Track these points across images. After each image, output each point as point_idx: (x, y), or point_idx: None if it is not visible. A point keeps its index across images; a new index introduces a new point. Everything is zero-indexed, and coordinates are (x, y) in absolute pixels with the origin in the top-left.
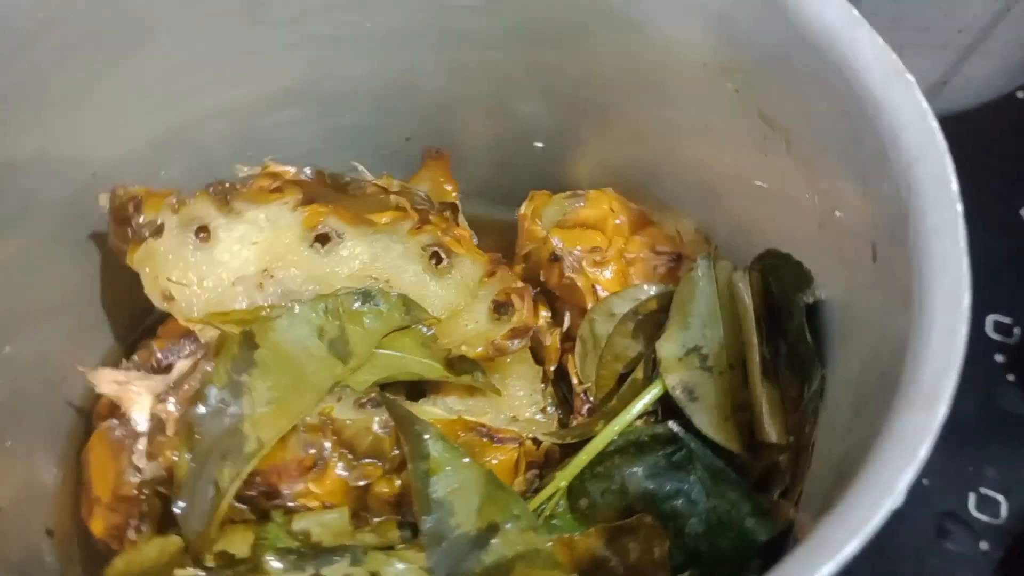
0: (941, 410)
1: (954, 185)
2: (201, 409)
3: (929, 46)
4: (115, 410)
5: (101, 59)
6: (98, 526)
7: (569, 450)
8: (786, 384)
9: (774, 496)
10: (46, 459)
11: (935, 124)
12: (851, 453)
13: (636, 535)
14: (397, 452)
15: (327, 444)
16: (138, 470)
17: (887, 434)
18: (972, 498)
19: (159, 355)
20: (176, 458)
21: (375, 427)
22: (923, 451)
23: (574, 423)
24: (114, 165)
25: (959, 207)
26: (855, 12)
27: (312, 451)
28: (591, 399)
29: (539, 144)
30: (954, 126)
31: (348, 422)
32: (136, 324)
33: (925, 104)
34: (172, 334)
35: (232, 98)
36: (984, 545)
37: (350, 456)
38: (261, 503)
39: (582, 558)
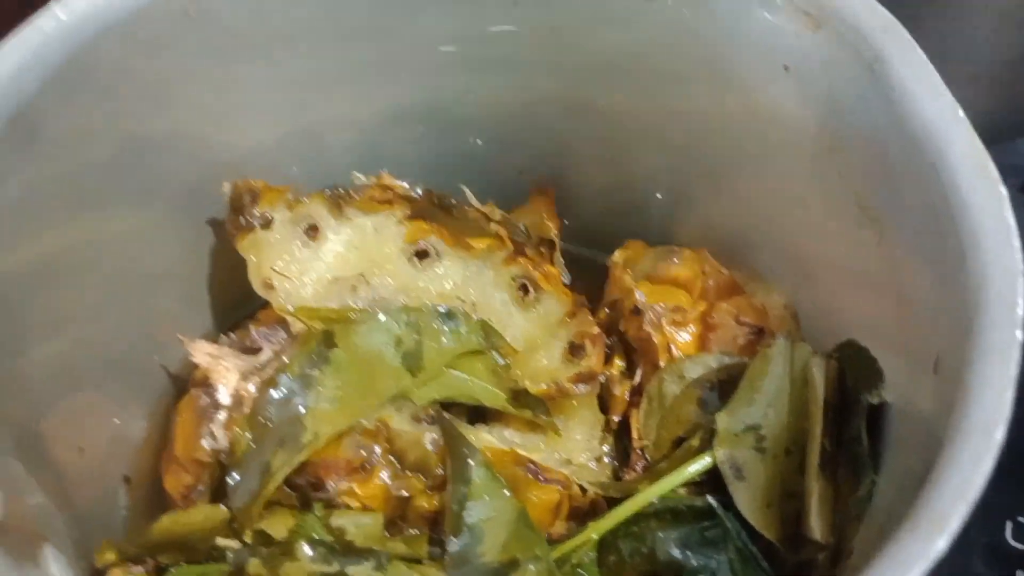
0: (940, 542)
1: (1020, 310)
2: (272, 394)
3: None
4: (207, 381)
5: (244, 59)
6: (171, 482)
7: (615, 504)
8: (842, 481)
9: None
10: (136, 412)
11: (1016, 242)
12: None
13: None
14: (441, 471)
15: (377, 449)
16: (213, 438)
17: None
18: (1009, 527)
19: (254, 335)
20: (239, 434)
21: (426, 443)
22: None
23: (627, 477)
24: (243, 157)
25: (1019, 334)
26: (959, 111)
27: (362, 454)
28: (647, 457)
29: (659, 195)
30: None
31: (402, 433)
32: (236, 309)
33: (1011, 218)
34: (269, 319)
35: (360, 110)
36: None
37: (397, 466)
38: (307, 492)
39: None
